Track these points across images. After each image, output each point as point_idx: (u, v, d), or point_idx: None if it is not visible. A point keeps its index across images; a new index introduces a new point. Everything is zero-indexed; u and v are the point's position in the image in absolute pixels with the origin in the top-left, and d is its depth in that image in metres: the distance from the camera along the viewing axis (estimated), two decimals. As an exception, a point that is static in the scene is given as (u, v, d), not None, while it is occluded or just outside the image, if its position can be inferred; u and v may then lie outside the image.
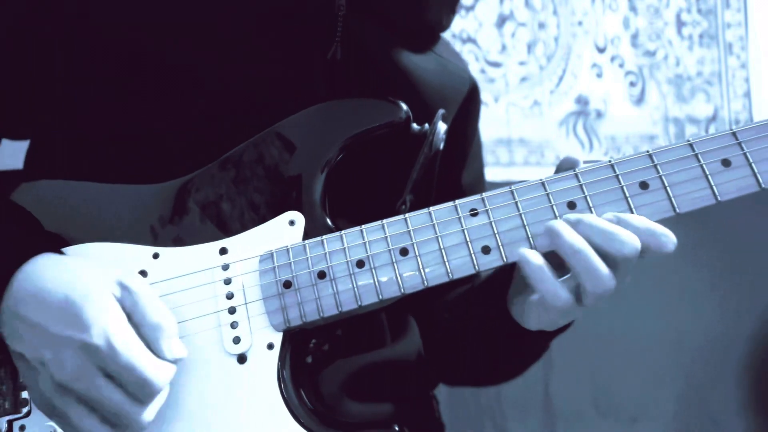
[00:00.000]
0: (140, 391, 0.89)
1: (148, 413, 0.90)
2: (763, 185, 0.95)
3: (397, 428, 1.00)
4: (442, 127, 1.07)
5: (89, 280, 0.92)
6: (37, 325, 0.89)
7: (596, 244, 0.91)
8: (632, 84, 2.73)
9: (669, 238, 0.93)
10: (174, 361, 0.93)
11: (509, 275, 1.09)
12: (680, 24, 2.81)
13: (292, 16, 1.12)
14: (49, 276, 0.93)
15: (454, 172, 1.29)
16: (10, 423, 0.97)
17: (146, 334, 0.91)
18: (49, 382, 0.89)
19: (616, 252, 0.90)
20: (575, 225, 0.93)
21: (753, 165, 0.96)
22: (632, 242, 0.91)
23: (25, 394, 0.98)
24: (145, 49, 1.08)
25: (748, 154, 0.96)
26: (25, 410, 0.97)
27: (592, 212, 0.96)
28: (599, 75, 2.70)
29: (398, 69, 1.17)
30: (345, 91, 1.12)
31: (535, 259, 0.92)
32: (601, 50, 2.71)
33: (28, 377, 0.93)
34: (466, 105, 1.28)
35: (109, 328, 0.88)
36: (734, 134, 0.97)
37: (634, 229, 0.92)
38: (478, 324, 1.18)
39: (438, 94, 1.20)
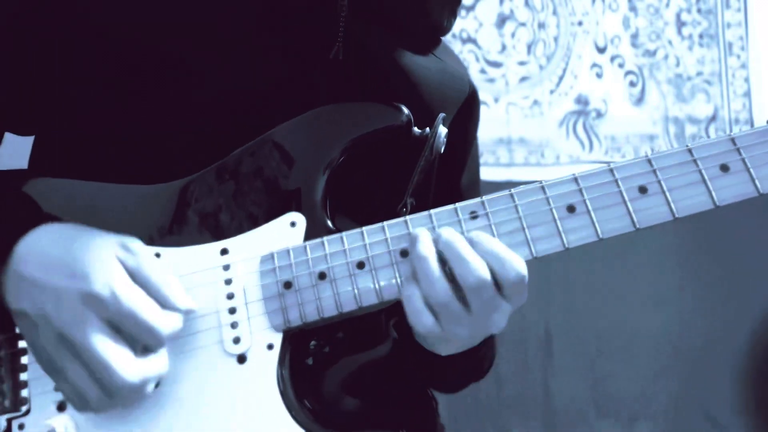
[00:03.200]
0: (144, 338, 0.90)
1: (133, 374, 0.89)
2: (761, 191, 0.96)
3: (397, 429, 1.00)
4: (442, 131, 1.08)
5: (91, 240, 0.94)
6: (39, 279, 0.91)
7: (447, 261, 0.94)
8: (632, 84, 2.73)
9: (513, 265, 0.94)
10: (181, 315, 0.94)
11: None
12: (680, 24, 2.81)
13: (294, 16, 1.13)
14: (51, 238, 0.95)
15: (453, 174, 1.29)
16: (9, 421, 0.97)
17: (151, 289, 0.92)
18: (49, 334, 0.89)
19: (463, 280, 0.93)
20: (436, 240, 0.95)
21: (751, 170, 0.96)
22: (480, 273, 0.92)
23: (24, 393, 0.98)
24: (145, 49, 1.08)
25: (746, 159, 0.96)
26: (24, 408, 0.98)
27: (591, 216, 0.97)
28: (599, 75, 2.70)
29: (399, 70, 1.17)
30: (346, 92, 1.12)
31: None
32: (601, 50, 2.71)
33: (29, 334, 0.93)
34: (466, 108, 1.27)
35: (112, 278, 0.89)
36: (732, 140, 0.98)
37: (483, 250, 0.94)
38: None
39: (438, 96, 1.20)
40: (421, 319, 0.94)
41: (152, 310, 0.91)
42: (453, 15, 1.26)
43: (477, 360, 1.16)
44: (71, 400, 0.93)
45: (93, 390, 0.90)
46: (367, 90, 1.14)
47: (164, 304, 0.92)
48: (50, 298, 0.89)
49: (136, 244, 0.95)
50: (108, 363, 0.88)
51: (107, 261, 0.91)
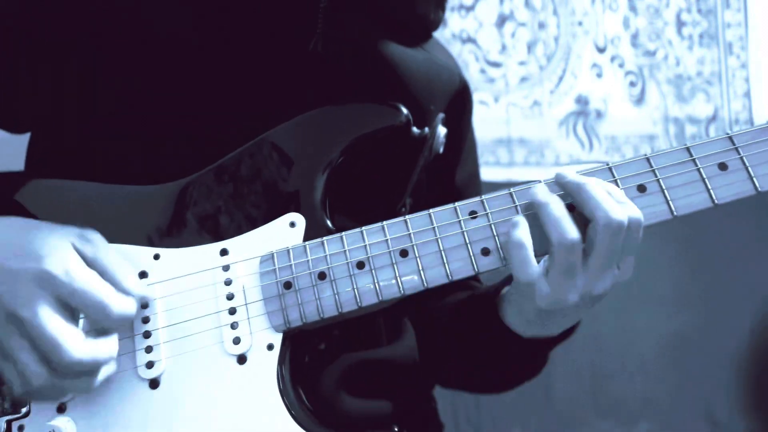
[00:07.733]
0: (94, 314, 0.89)
1: (82, 352, 0.88)
2: (759, 188, 0.96)
3: (396, 429, 1.00)
4: (441, 130, 1.08)
5: (48, 228, 0.94)
6: None
7: (579, 204, 0.94)
8: (632, 84, 2.73)
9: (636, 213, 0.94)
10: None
11: (500, 287, 1.10)
12: (680, 24, 2.81)
13: (274, 7, 1.12)
14: (8, 224, 0.95)
15: (447, 171, 1.29)
16: (9, 423, 0.97)
17: (107, 274, 0.92)
18: (1, 315, 0.88)
19: (603, 219, 0.92)
20: (560, 183, 0.96)
21: (749, 169, 0.96)
22: (620, 216, 0.92)
23: (24, 394, 0.98)
24: (140, 50, 1.08)
25: (744, 158, 0.97)
26: (24, 410, 0.97)
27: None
28: (599, 75, 2.70)
29: (384, 62, 1.16)
30: (328, 85, 1.12)
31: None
32: (601, 50, 2.71)
33: None
34: (456, 103, 1.26)
35: (67, 259, 0.89)
36: (731, 139, 0.98)
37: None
38: (471, 333, 1.17)
39: (425, 88, 1.19)
40: (527, 270, 0.94)
41: (105, 289, 0.90)
42: (440, 7, 1.25)
43: (540, 350, 1.13)
44: (13, 380, 0.90)
45: (37, 367, 0.87)
46: (350, 83, 1.14)
47: (118, 287, 0.92)
48: (4, 280, 0.88)
49: (94, 235, 0.95)
50: (56, 338, 0.86)
51: (63, 246, 0.91)
